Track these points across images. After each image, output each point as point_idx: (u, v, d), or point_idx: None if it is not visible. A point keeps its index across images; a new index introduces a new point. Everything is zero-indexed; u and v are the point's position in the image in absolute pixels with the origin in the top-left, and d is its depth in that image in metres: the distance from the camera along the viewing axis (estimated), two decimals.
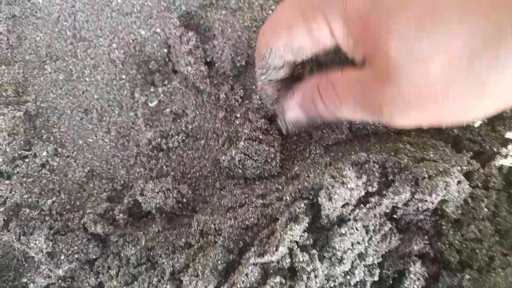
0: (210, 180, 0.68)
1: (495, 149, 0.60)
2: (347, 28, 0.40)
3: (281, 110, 0.54)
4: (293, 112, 0.52)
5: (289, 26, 0.45)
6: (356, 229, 0.53)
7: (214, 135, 0.70)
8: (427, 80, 0.35)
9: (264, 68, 0.51)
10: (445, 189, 0.53)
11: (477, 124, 0.62)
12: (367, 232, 0.54)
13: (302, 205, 0.55)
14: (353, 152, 0.61)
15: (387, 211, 0.56)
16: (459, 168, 0.57)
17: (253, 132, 0.64)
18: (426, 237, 0.59)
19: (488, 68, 0.33)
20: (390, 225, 0.56)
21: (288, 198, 0.59)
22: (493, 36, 0.32)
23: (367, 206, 0.54)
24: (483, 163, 0.61)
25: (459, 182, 0.53)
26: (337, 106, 0.45)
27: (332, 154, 0.64)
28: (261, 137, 0.64)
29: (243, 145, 0.63)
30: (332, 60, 0.54)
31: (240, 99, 0.70)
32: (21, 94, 0.68)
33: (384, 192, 0.54)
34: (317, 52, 0.46)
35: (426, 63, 0.35)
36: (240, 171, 0.64)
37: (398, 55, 0.36)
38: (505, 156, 0.59)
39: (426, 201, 0.54)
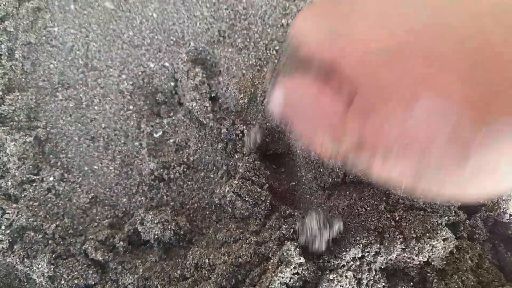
0: (207, 212, 0.71)
1: (481, 201, 0.62)
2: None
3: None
4: (276, 93, 0.41)
5: (308, 14, 0.40)
6: (346, 277, 0.56)
7: (214, 167, 0.73)
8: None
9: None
10: (432, 250, 0.55)
11: None
12: (358, 283, 0.57)
13: (294, 247, 0.57)
14: (346, 200, 0.64)
15: (381, 266, 0.59)
16: (446, 218, 0.60)
17: (247, 172, 0.67)
18: (411, 283, 0.62)
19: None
20: (384, 283, 0.58)
21: (281, 237, 0.62)
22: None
23: (361, 260, 0.57)
24: (470, 214, 0.64)
25: (445, 240, 0.56)
26: (312, 126, 0.39)
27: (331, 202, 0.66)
28: (254, 178, 0.67)
29: (236, 184, 0.66)
30: None
31: (240, 134, 0.73)
32: (32, 119, 0.71)
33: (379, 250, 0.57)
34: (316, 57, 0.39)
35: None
36: (229, 209, 0.67)
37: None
38: (491, 209, 0.62)
39: (413, 259, 0.56)
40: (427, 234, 0.56)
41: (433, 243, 0.55)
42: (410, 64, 0.30)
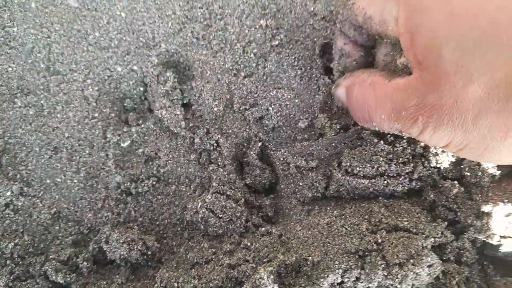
0: (178, 229, 0.67)
1: (469, 221, 0.58)
2: (408, 24, 0.41)
3: (336, 83, 0.58)
4: (339, 90, 0.57)
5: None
6: None
7: (186, 180, 0.68)
8: (467, 98, 0.37)
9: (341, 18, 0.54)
10: (416, 278, 0.51)
11: (454, 191, 0.60)
12: None
13: (267, 274, 0.53)
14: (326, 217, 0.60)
15: None
16: (432, 240, 0.56)
17: (222, 186, 0.63)
18: None
19: None
20: None
21: (256, 259, 0.57)
22: None
23: (341, 286, 0.53)
24: (457, 234, 0.59)
25: (430, 266, 0.51)
26: (371, 110, 0.47)
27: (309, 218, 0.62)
28: (228, 192, 0.62)
29: (209, 199, 0.61)
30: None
31: (215, 144, 0.68)
32: None
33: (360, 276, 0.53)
34: (381, 33, 0.47)
35: (472, 80, 0.36)
36: (202, 227, 0.62)
37: (449, 61, 0.37)
38: (479, 231, 0.58)
39: (396, 287, 0.52)
40: (411, 261, 0.51)
41: (418, 271, 0.51)
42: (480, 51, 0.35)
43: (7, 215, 0.64)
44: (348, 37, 0.56)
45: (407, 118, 0.42)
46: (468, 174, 0.61)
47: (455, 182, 0.61)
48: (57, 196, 0.66)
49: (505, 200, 0.58)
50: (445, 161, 0.61)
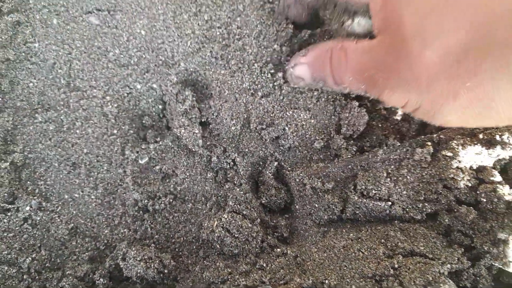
0: (194, 247, 0.67)
1: (485, 248, 0.59)
2: None
3: (291, 64, 0.61)
4: (301, 68, 0.59)
5: None
6: None
7: (203, 198, 0.68)
8: (422, 62, 0.39)
9: None
10: None
11: (470, 217, 0.60)
12: None
13: None
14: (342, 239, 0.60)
15: None
16: (448, 266, 0.56)
17: (238, 205, 0.63)
18: None
19: (474, 69, 0.36)
20: None
21: (271, 282, 0.58)
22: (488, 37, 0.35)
23: None
24: (474, 260, 0.60)
25: None
26: (343, 72, 0.49)
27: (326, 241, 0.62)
28: (244, 212, 0.63)
29: (226, 218, 0.62)
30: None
31: (232, 163, 0.69)
32: (8, 143, 0.67)
33: None
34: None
35: (427, 45, 0.38)
36: (218, 246, 0.63)
37: (409, 26, 0.39)
38: (496, 258, 0.58)
39: None
40: (428, 287, 0.51)
41: None
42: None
43: (25, 230, 0.64)
44: None
45: (369, 80, 0.45)
46: (484, 200, 0.61)
47: (471, 207, 0.61)
48: (74, 212, 0.67)
49: None
50: (460, 184, 0.62)
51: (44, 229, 0.65)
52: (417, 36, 0.38)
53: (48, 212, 0.66)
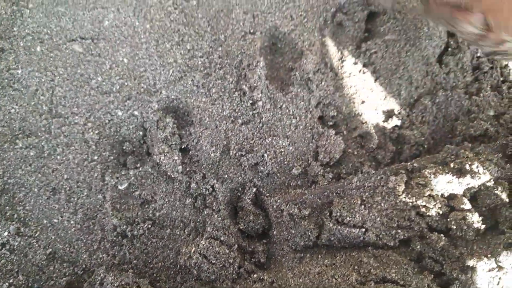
0: (172, 272, 0.68)
1: (454, 275, 0.60)
2: None
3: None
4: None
5: None
6: None
7: (181, 224, 0.69)
8: None
9: None
10: None
11: (440, 244, 0.62)
12: None
13: None
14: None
15: None
16: None
17: (215, 231, 0.64)
18: None
19: None
20: None
21: None
22: None
23: None
24: (443, 287, 0.61)
25: None
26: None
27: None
28: (222, 238, 0.64)
29: (203, 245, 0.63)
30: None
31: (210, 189, 0.70)
32: None
33: None
34: None
35: None
36: (195, 272, 0.63)
37: None
38: (464, 285, 0.60)
39: None
40: None
41: None
42: None
43: (3, 255, 0.64)
44: None
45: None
46: (454, 227, 0.63)
47: (442, 235, 0.63)
48: (53, 237, 0.67)
49: (489, 255, 0.60)
50: (432, 211, 0.64)
51: (22, 254, 0.66)
52: None
53: (27, 237, 0.66)
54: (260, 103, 0.72)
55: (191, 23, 0.76)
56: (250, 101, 0.72)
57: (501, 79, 0.83)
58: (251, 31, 0.77)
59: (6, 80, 0.70)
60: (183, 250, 0.66)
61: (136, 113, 0.71)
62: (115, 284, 0.61)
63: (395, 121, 0.76)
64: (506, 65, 0.84)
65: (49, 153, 0.69)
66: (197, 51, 0.74)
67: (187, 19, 0.76)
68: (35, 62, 0.71)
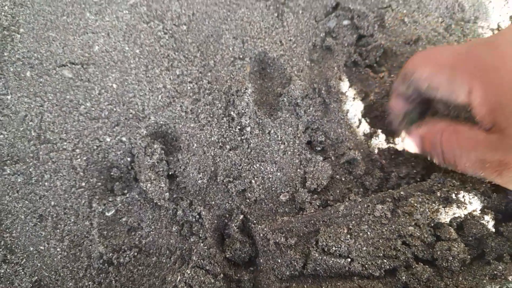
0: None
1: None
2: (485, 99, 0.50)
3: (406, 131, 0.67)
4: (414, 138, 0.65)
5: (438, 65, 0.56)
6: None
7: (167, 251, 0.69)
8: None
9: (400, 85, 0.63)
10: None
11: (425, 275, 0.62)
12: None
13: None
14: None
15: None
16: None
17: (201, 260, 0.64)
18: None
19: None
20: None
21: None
22: None
23: None
24: None
25: None
26: (454, 155, 0.56)
27: None
28: (208, 267, 0.64)
29: (188, 274, 0.63)
30: (453, 114, 0.61)
31: (197, 216, 0.70)
32: None
33: None
34: (446, 100, 0.57)
35: None
36: None
37: None
38: None
39: None
40: None
41: None
42: None
43: None
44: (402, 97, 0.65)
45: (490, 170, 0.52)
46: (440, 257, 0.63)
47: (427, 266, 0.63)
48: (39, 264, 0.67)
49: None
50: (418, 241, 0.64)
51: (8, 282, 0.66)
52: None
53: (13, 265, 0.66)
54: (248, 129, 0.72)
55: (181, 48, 0.76)
56: (239, 127, 0.72)
57: None
58: (241, 56, 0.77)
59: None
60: (169, 279, 0.66)
61: (124, 139, 0.71)
62: None
63: (383, 146, 0.76)
64: None
65: (37, 180, 0.69)
66: (186, 76, 0.74)
67: (177, 44, 0.76)
68: (25, 88, 0.71)
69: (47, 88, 0.72)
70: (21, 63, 0.72)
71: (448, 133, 0.56)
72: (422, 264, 0.64)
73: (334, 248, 0.65)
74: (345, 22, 0.82)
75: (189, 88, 0.73)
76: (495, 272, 0.62)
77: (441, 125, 0.59)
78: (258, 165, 0.72)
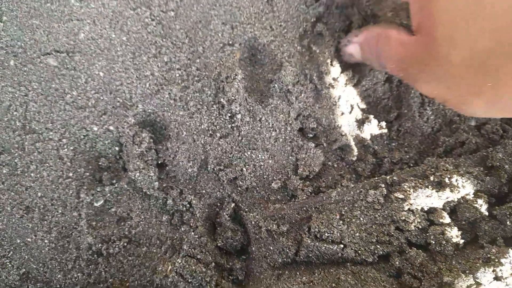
0: None
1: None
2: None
3: (345, 41, 0.71)
4: (352, 47, 0.68)
5: None
6: None
7: (158, 241, 0.68)
8: (450, 61, 0.45)
9: None
10: None
11: (418, 260, 0.62)
12: None
13: None
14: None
15: None
16: None
17: (192, 249, 0.63)
18: None
19: (496, 71, 0.42)
20: None
21: None
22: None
23: None
24: None
25: None
26: (386, 58, 0.58)
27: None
28: (199, 256, 0.63)
29: (179, 263, 0.62)
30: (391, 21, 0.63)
31: (188, 205, 0.69)
32: None
33: None
34: None
35: (455, 47, 0.44)
36: None
37: (441, 30, 0.45)
38: None
39: None
40: None
41: None
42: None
43: None
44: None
45: (405, 70, 0.54)
46: (433, 242, 0.63)
47: (420, 251, 0.62)
48: (26, 256, 0.66)
49: (467, 271, 0.60)
50: (411, 226, 0.63)
51: None
52: (447, 39, 0.45)
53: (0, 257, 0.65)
54: (239, 116, 0.71)
55: (168, 34, 0.75)
56: (229, 114, 0.71)
57: None
58: (230, 42, 0.76)
59: None
60: (159, 269, 0.65)
61: (111, 128, 0.70)
62: None
63: (375, 131, 0.75)
64: None
65: (23, 171, 0.67)
66: (174, 63, 0.73)
67: (164, 30, 0.75)
68: (8, 77, 0.70)
69: (31, 77, 0.70)
70: (4, 51, 0.70)
71: (382, 37, 0.58)
72: (415, 249, 0.63)
73: (326, 234, 0.64)
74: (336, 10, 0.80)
75: (177, 75, 0.72)
76: (489, 256, 0.61)
77: (377, 30, 0.60)
78: (249, 152, 0.71)
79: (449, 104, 0.54)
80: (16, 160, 0.67)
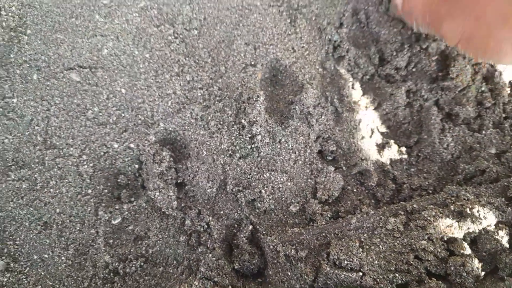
0: None
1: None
2: None
3: None
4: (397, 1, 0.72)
5: None
6: None
7: (174, 261, 0.68)
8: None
9: None
10: None
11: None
12: None
13: None
14: None
15: None
16: None
17: (209, 272, 0.63)
18: None
19: None
20: None
21: None
22: None
23: None
24: None
25: None
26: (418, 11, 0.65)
27: None
28: (216, 279, 0.62)
29: (196, 285, 0.61)
30: None
31: (206, 226, 0.69)
32: None
33: None
34: None
35: None
36: None
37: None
38: None
39: None
40: None
41: None
42: None
43: None
44: None
45: (435, 11, 0.58)
46: (453, 273, 0.62)
47: (440, 281, 0.61)
48: (43, 273, 0.66)
49: None
50: (431, 255, 0.63)
51: None
52: None
53: (16, 273, 0.65)
54: (259, 137, 0.70)
55: (191, 53, 0.75)
56: (249, 135, 0.71)
57: (503, 115, 0.82)
58: (252, 63, 0.76)
59: (0, 109, 0.69)
60: None
61: (132, 145, 0.69)
62: None
63: (395, 156, 0.75)
64: (509, 101, 0.83)
65: (42, 186, 0.67)
66: (196, 82, 0.73)
67: (187, 49, 0.75)
68: (31, 91, 0.70)
69: (54, 92, 0.70)
70: (28, 65, 0.70)
71: None
72: (435, 279, 0.63)
73: (345, 261, 0.63)
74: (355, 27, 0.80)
75: (199, 94, 0.72)
76: None
77: None
78: (268, 174, 0.71)
79: (474, 43, 0.56)
80: (36, 175, 0.67)
